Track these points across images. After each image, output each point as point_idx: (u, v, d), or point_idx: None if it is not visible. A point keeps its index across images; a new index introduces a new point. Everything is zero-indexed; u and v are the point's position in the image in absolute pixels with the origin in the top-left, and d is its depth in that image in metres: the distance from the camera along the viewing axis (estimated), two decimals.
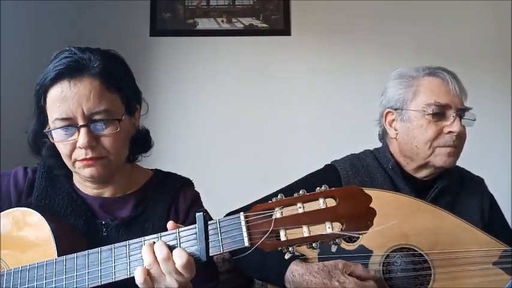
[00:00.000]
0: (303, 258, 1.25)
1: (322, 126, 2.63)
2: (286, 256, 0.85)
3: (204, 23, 2.68)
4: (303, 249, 1.25)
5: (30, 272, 0.97)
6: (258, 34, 2.69)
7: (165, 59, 2.66)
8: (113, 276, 0.91)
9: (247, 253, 0.85)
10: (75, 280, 0.92)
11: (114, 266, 0.91)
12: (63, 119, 1.02)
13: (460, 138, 1.36)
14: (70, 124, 1.03)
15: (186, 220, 1.15)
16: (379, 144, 1.53)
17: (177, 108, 2.64)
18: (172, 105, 2.64)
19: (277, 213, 0.84)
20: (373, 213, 0.85)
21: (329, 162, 1.50)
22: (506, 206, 1.69)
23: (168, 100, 2.63)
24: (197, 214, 0.88)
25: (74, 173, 1.15)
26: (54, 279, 0.94)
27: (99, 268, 0.92)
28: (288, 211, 0.85)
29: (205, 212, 0.89)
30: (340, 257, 1.23)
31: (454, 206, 1.42)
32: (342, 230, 0.83)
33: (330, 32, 2.69)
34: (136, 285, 0.88)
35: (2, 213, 1.07)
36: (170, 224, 0.92)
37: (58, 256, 0.97)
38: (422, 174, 1.41)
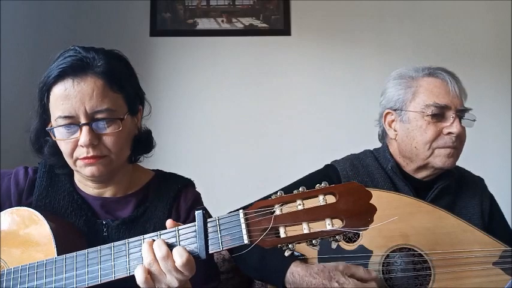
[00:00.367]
0: (303, 259, 1.25)
1: (322, 126, 2.63)
2: (286, 253, 0.85)
3: (204, 23, 2.68)
4: (303, 248, 1.26)
5: (30, 271, 0.97)
6: (258, 34, 2.69)
7: (165, 59, 2.66)
8: (113, 275, 0.91)
9: (246, 250, 0.85)
10: (74, 279, 0.92)
11: (114, 264, 0.91)
12: (65, 117, 1.03)
13: (460, 139, 1.36)
14: (72, 122, 1.03)
15: (187, 220, 1.15)
16: (379, 145, 1.53)
17: (177, 108, 2.64)
18: (173, 105, 2.63)
19: (276, 210, 0.84)
20: (373, 209, 0.84)
21: (329, 163, 1.50)
22: (506, 206, 1.69)
23: (168, 100, 2.63)
24: (196, 212, 0.88)
25: (75, 173, 1.15)
26: (54, 278, 0.94)
27: (99, 267, 0.92)
28: (288, 208, 0.85)
29: (205, 209, 0.89)
30: (340, 257, 1.23)
31: (454, 206, 1.42)
32: (342, 226, 0.83)
33: (330, 32, 2.69)
34: (135, 284, 0.88)
35: (1, 212, 1.07)
36: (169, 222, 0.92)
37: (58, 255, 0.97)
38: (421, 175, 1.41)
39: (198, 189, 1.25)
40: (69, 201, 1.13)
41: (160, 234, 0.90)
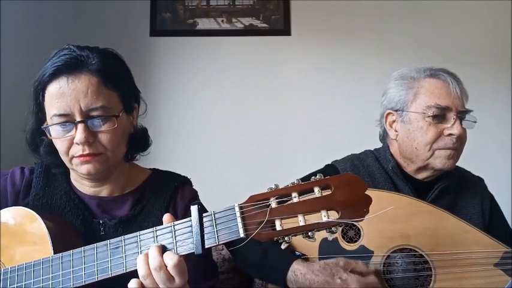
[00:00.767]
0: (305, 258, 1.25)
1: (322, 126, 2.62)
2: (283, 246, 0.85)
3: (204, 23, 2.68)
4: (304, 248, 1.26)
5: (27, 270, 0.97)
6: (258, 34, 2.68)
7: (165, 59, 2.66)
8: (109, 272, 0.91)
9: (242, 244, 0.85)
10: (71, 276, 0.92)
11: (110, 260, 0.91)
12: (60, 115, 1.03)
13: (460, 141, 1.36)
14: (67, 120, 1.03)
15: (185, 218, 1.15)
16: (378, 145, 1.53)
17: (177, 108, 2.64)
18: (172, 105, 2.63)
19: (272, 203, 0.84)
20: (369, 200, 0.84)
21: (329, 162, 1.50)
22: (506, 206, 1.69)
23: (168, 100, 2.63)
24: (192, 207, 0.88)
25: (71, 172, 1.15)
26: (51, 275, 0.94)
27: (95, 263, 0.92)
28: (284, 201, 0.85)
29: (200, 204, 0.88)
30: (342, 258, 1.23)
31: (455, 207, 1.42)
32: (338, 218, 0.83)
33: (330, 32, 2.69)
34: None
35: None
36: (166, 216, 0.92)
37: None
38: (422, 176, 1.41)
39: (198, 189, 1.25)
40: (65, 201, 1.13)
41: (156, 230, 0.90)
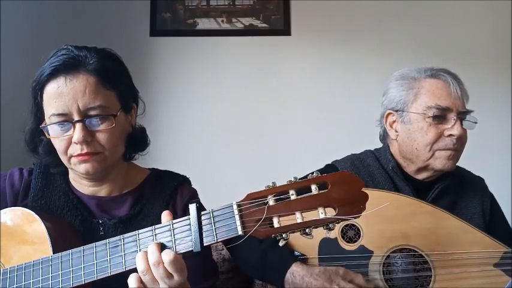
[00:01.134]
0: (304, 260, 1.25)
1: (322, 126, 2.62)
2: (281, 243, 0.86)
3: (204, 23, 2.68)
4: (304, 248, 1.26)
5: (26, 271, 0.97)
6: (258, 34, 2.68)
7: (165, 59, 2.66)
8: (109, 271, 0.91)
9: (241, 241, 0.86)
10: (71, 276, 0.92)
11: (110, 259, 0.91)
12: (59, 115, 1.03)
13: (461, 141, 1.36)
14: (66, 120, 1.03)
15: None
16: (378, 145, 1.53)
17: (177, 108, 2.64)
18: (172, 105, 2.63)
19: (269, 201, 0.85)
20: (365, 197, 0.85)
21: (330, 162, 1.50)
22: (506, 206, 1.69)
23: (168, 100, 2.63)
24: (190, 205, 0.89)
25: (70, 172, 1.15)
26: (50, 275, 0.94)
27: (95, 263, 0.92)
28: (281, 199, 0.86)
29: (199, 202, 0.89)
30: (341, 258, 1.23)
31: (455, 207, 1.41)
32: (335, 215, 0.84)
33: (330, 32, 2.69)
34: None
35: None
36: (165, 214, 0.92)
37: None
38: (422, 176, 1.41)
39: (198, 188, 1.25)
40: (64, 201, 1.13)
41: (155, 229, 0.90)
